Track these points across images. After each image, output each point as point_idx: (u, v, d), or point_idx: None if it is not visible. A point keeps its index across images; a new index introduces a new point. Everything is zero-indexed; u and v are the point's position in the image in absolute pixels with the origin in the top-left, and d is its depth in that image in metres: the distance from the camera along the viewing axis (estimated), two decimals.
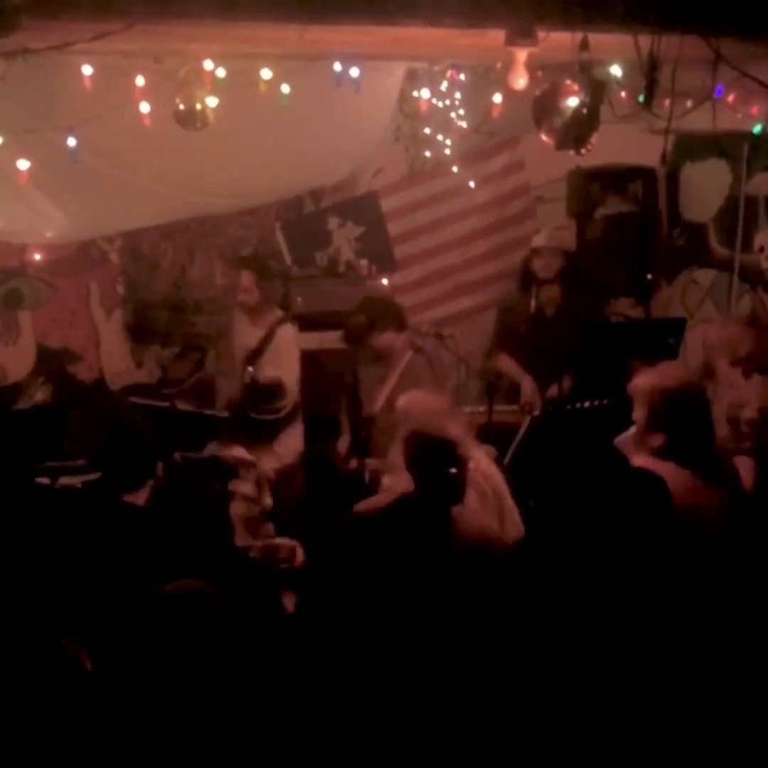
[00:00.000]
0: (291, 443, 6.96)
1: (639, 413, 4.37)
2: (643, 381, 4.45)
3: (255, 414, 6.70)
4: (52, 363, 7.75)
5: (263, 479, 5.31)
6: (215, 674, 3.36)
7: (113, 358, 8.18)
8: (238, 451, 5.33)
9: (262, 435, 6.64)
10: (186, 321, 8.31)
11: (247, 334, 7.02)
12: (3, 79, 5.45)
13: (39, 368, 7.73)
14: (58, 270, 7.86)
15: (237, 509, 5.14)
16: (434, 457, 4.34)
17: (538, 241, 7.31)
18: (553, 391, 6.86)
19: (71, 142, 5.86)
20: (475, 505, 4.65)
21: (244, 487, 5.17)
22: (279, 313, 7.04)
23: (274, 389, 6.66)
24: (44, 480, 5.31)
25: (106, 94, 5.79)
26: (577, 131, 5.01)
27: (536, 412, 6.22)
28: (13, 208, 6.80)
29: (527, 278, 7.24)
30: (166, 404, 6.49)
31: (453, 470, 4.30)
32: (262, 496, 5.28)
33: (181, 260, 8.33)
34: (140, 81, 5.84)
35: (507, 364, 7.24)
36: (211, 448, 5.44)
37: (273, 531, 5.28)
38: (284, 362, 6.87)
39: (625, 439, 4.47)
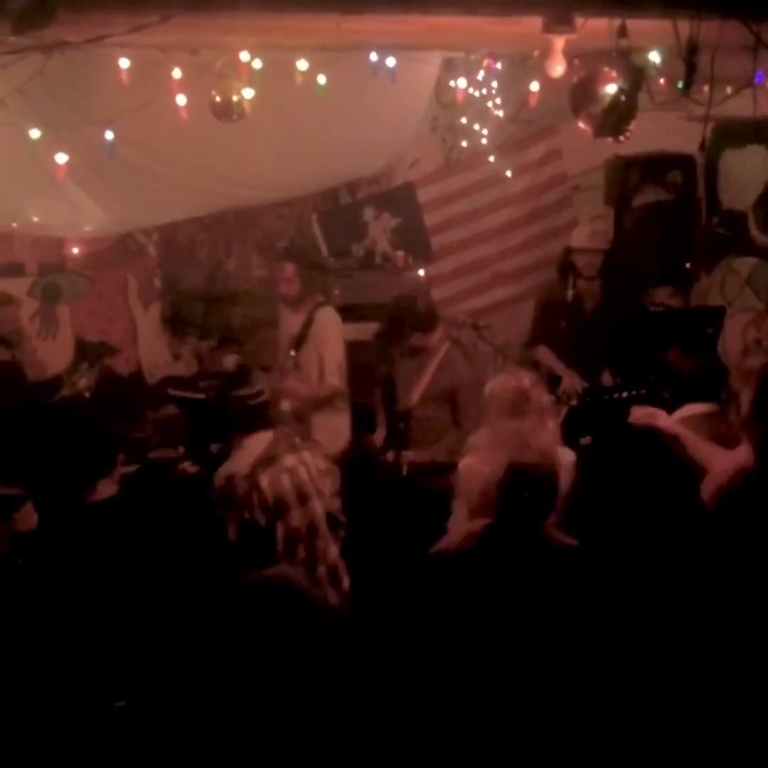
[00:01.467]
0: (337, 432, 6.84)
1: (746, 396, 4.25)
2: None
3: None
4: (90, 356, 7.78)
5: None
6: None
7: (151, 351, 8.22)
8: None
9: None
10: (223, 313, 8.34)
11: (290, 322, 7.00)
12: (40, 73, 5.46)
13: (78, 361, 7.77)
14: (96, 264, 7.90)
15: None
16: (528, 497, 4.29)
17: (580, 240, 7.22)
18: (591, 381, 6.83)
19: (108, 135, 5.87)
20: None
21: None
22: (319, 297, 7.00)
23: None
24: None
25: (143, 87, 5.79)
26: (616, 118, 4.96)
27: (574, 403, 6.17)
28: (51, 203, 6.83)
29: (566, 271, 7.19)
30: (202, 396, 6.48)
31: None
32: None
33: (218, 253, 8.35)
34: (177, 73, 5.83)
35: (545, 355, 7.21)
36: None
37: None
38: (327, 343, 6.78)
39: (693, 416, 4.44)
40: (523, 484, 4.21)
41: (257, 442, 5.14)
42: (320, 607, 3.66)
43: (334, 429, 6.81)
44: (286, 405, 6.57)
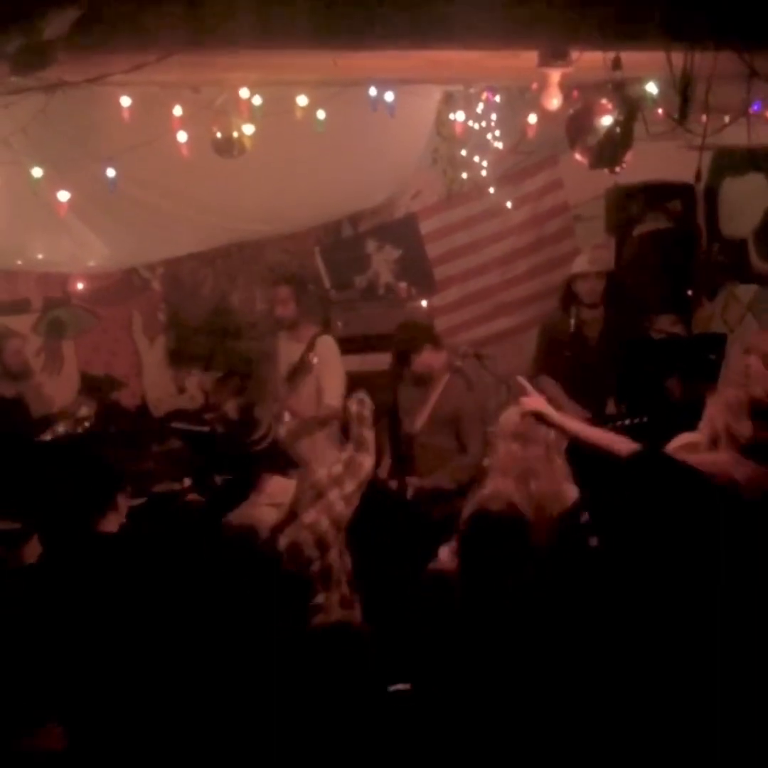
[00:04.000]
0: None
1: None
2: None
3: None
4: (95, 390, 7.82)
5: (351, 494, 5.25)
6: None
7: (156, 385, 8.26)
8: (322, 472, 5.27)
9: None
10: (227, 346, 8.38)
11: (289, 351, 7.05)
12: (43, 112, 5.52)
13: (83, 395, 7.80)
14: (101, 299, 7.96)
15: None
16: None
17: (580, 265, 7.24)
18: (594, 410, 6.84)
19: (111, 172, 5.92)
20: None
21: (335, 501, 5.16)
22: (317, 327, 7.05)
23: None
24: None
25: (145, 124, 5.85)
26: (611, 150, 5.01)
27: None
28: (55, 239, 6.90)
29: (569, 300, 7.21)
30: (206, 429, 6.51)
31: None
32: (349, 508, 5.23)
33: (222, 286, 8.41)
34: (178, 111, 5.90)
35: (548, 385, 7.21)
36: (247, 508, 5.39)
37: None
38: (326, 371, 6.84)
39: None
40: (486, 532, 4.16)
41: (278, 490, 5.11)
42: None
43: (334, 454, 6.81)
44: (284, 428, 6.58)
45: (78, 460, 4.74)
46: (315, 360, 6.91)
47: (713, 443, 4.32)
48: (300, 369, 6.92)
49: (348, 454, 5.23)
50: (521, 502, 4.66)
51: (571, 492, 4.94)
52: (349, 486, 5.06)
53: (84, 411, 7.13)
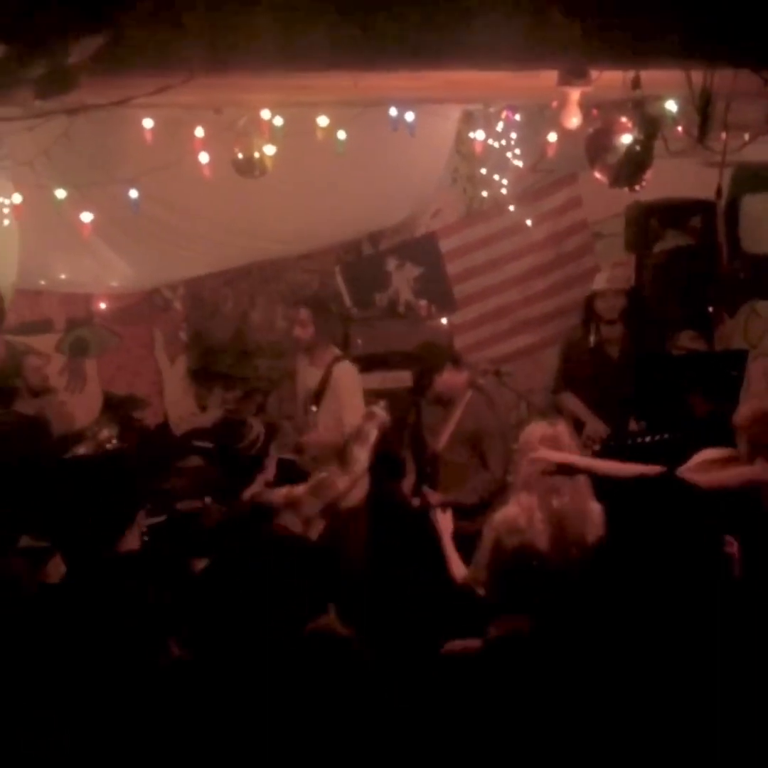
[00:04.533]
0: (358, 488, 6.81)
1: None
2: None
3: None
4: (117, 409, 7.85)
5: (313, 516, 5.23)
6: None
7: (177, 403, 8.30)
8: (280, 492, 5.26)
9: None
10: (248, 365, 8.41)
11: (307, 375, 7.03)
12: (66, 135, 5.57)
13: (105, 414, 7.84)
14: (123, 318, 8.00)
15: None
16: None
17: (600, 283, 7.26)
18: (616, 427, 6.84)
19: (133, 193, 5.98)
20: None
21: (290, 525, 5.14)
22: (336, 351, 7.02)
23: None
24: None
25: (167, 145, 5.90)
26: (631, 168, 5.01)
27: (597, 448, 6.20)
28: (78, 260, 6.96)
29: (589, 317, 7.23)
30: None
31: None
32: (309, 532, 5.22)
33: (243, 305, 8.45)
34: (199, 132, 5.95)
35: (571, 401, 7.22)
36: (253, 490, 5.41)
37: None
38: (345, 397, 6.78)
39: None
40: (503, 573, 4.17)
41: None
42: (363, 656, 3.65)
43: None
44: (307, 456, 6.62)
45: (101, 478, 4.77)
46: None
47: (748, 456, 4.37)
48: (319, 397, 6.86)
49: (321, 475, 5.22)
50: (543, 520, 4.68)
51: (595, 509, 4.95)
52: (311, 508, 5.03)
53: (106, 430, 7.16)
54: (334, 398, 6.73)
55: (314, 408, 6.80)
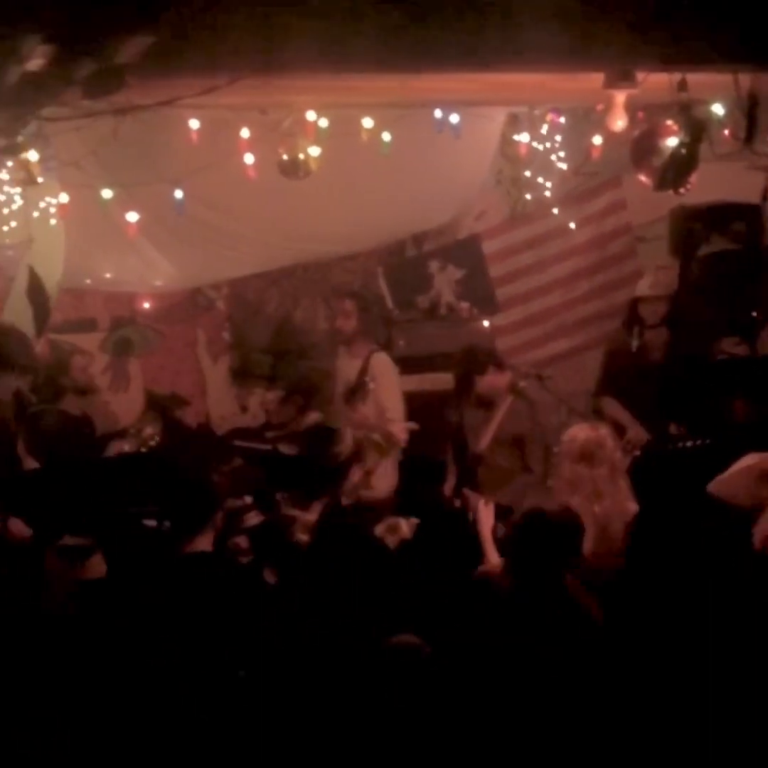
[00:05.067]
0: (386, 474, 6.85)
1: None
2: None
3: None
4: (160, 408, 7.89)
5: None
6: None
7: (219, 403, 8.32)
8: None
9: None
10: (290, 365, 8.42)
11: (347, 369, 7.09)
12: (113, 135, 5.62)
13: (148, 413, 7.88)
14: (167, 318, 8.04)
15: None
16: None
17: (643, 289, 7.24)
18: (657, 431, 6.80)
19: (178, 194, 6.02)
20: None
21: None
22: (374, 344, 7.08)
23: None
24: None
25: (212, 146, 5.94)
26: (676, 171, 4.99)
27: (638, 453, 6.18)
28: (123, 259, 7.01)
29: (632, 321, 7.20)
30: (268, 448, 6.55)
31: None
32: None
33: (286, 306, 8.47)
34: (245, 133, 5.98)
35: (612, 406, 7.19)
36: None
37: None
38: (385, 388, 6.87)
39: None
40: (539, 531, 4.23)
41: None
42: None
43: (383, 470, 6.83)
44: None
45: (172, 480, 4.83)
46: (372, 385, 6.92)
47: None
48: (358, 389, 6.94)
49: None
50: (585, 524, 4.68)
51: (633, 510, 4.95)
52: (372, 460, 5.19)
53: (149, 429, 7.20)
54: (373, 389, 6.81)
55: (353, 402, 6.90)
